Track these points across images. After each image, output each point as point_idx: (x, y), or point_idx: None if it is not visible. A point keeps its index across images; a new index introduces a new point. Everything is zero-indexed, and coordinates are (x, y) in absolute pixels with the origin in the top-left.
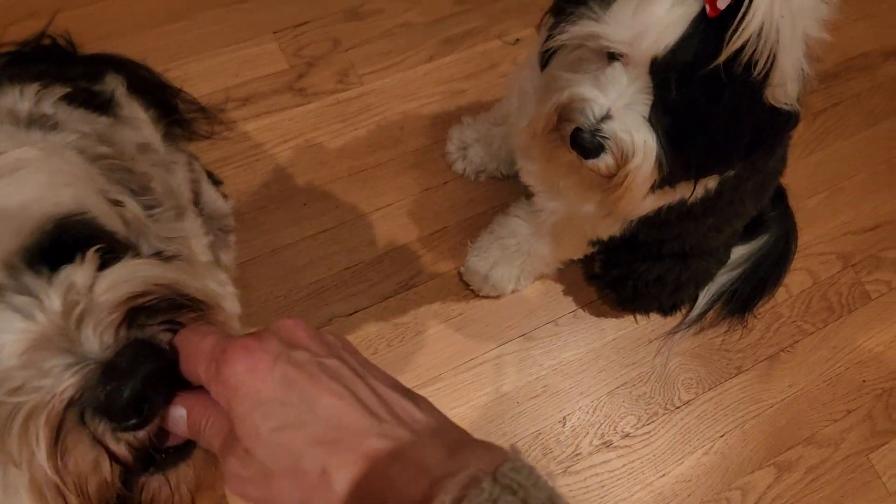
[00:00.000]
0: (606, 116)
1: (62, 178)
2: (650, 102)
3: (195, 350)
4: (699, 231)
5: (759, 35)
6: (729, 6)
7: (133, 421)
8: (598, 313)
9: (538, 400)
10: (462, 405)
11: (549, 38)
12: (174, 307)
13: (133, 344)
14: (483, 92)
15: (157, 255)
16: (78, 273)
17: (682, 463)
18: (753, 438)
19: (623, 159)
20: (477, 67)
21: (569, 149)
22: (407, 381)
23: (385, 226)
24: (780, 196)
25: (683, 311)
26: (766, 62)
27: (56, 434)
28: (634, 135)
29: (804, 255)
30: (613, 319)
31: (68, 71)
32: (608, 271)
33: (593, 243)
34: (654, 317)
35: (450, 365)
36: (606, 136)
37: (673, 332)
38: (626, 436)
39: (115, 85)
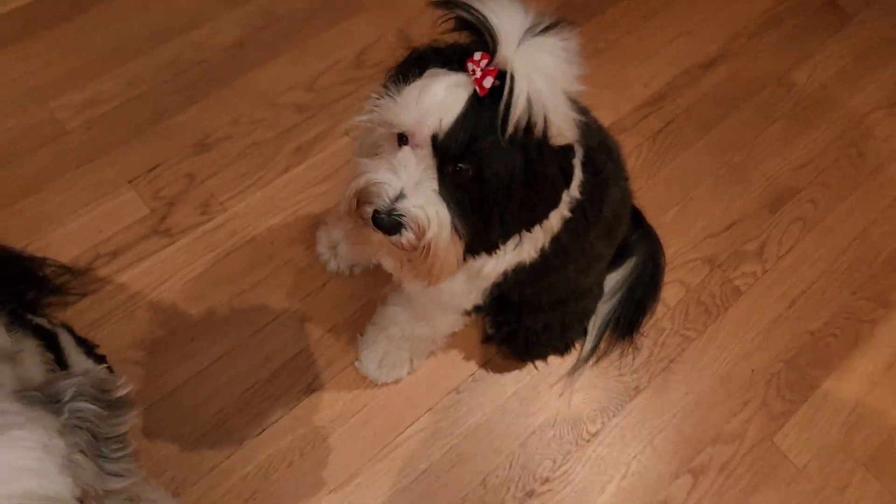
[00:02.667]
0: (400, 196)
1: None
2: (436, 177)
3: None
4: (565, 279)
5: (528, 107)
6: (494, 85)
7: None
8: (497, 370)
9: (456, 469)
10: (385, 493)
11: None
12: None
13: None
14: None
15: None
16: None
17: (604, 493)
18: (664, 451)
19: (421, 232)
20: (332, 168)
21: (373, 229)
22: (326, 485)
23: (275, 340)
24: (638, 218)
25: (577, 347)
26: (541, 123)
27: None
28: (427, 209)
29: (673, 267)
30: (512, 373)
31: None
32: (499, 329)
33: (468, 313)
34: (552, 360)
35: (364, 458)
36: (402, 213)
37: (572, 371)
38: (546, 480)
39: None
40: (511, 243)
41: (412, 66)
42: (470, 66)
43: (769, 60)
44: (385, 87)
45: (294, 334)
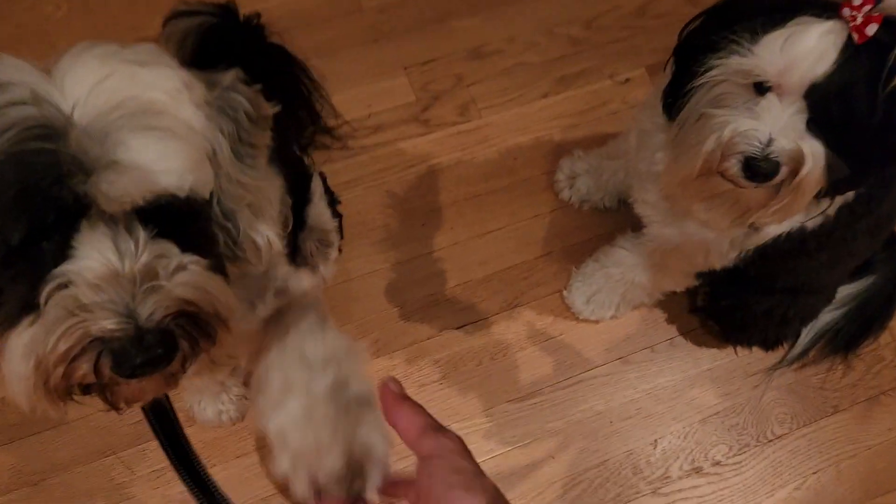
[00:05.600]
0: (770, 141)
1: (195, 156)
2: (805, 120)
3: (410, 422)
4: (812, 266)
5: None
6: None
7: (127, 374)
8: (696, 342)
9: (631, 421)
10: (558, 420)
11: (687, 76)
12: (200, 326)
13: (165, 332)
14: (593, 127)
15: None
16: (172, 255)
17: (773, 496)
18: (848, 478)
19: (795, 170)
20: (588, 105)
21: (730, 179)
22: (507, 393)
23: (495, 248)
24: (892, 240)
25: (785, 346)
26: None
27: (77, 347)
28: (803, 145)
29: None
30: (710, 350)
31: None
32: (715, 302)
33: (699, 275)
34: (754, 350)
35: (548, 382)
36: (778, 155)
37: (774, 367)
38: (717, 463)
39: None
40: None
41: (750, 16)
42: (847, 11)
43: None
44: (731, 38)
45: (513, 248)
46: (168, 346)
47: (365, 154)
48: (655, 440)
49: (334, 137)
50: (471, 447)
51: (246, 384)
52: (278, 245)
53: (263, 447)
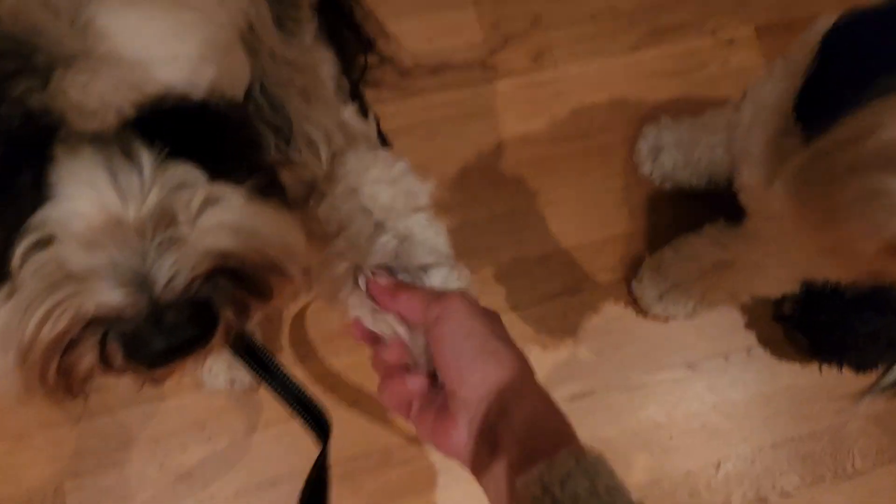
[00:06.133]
0: None
1: (218, 36)
2: None
3: (409, 303)
4: None
5: None
6: None
7: (147, 363)
8: (776, 354)
9: (693, 437)
10: (609, 425)
11: (845, 83)
12: (249, 281)
13: (195, 304)
14: (686, 92)
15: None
16: (196, 185)
17: None
18: None
19: None
20: (683, 65)
21: None
22: (556, 389)
23: (557, 221)
24: None
25: (879, 370)
26: None
27: (71, 332)
28: None
29: None
30: (792, 365)
31: None
32: (809, 314)
33: (804, 282)
34: (844, 370)
35: (604, 382)
36: None
37: (864, 392)
38: (785, 495)
39: None
40: None
41: None
42: None
43: None
44: None
45: (578, 224)
46: (204, 320)
47: (419, 98)
48: (719, 461)
49: (396, 69)
50: None
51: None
52: (339, 140)
53: (277, 424)
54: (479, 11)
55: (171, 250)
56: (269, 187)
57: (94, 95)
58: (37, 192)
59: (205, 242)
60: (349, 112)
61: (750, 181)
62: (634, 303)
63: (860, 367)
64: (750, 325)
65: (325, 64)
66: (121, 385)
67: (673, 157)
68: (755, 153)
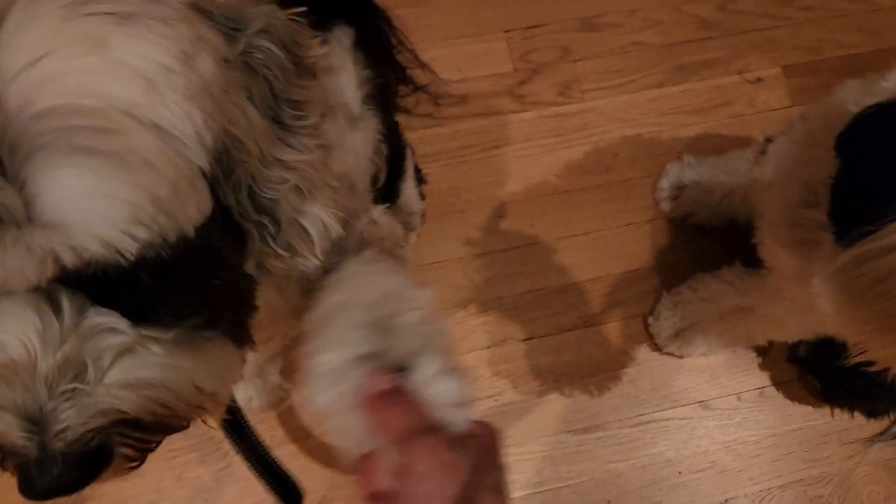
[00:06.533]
0: None
1: (167, 186)
2: None
3: (392, 424)
4: None
5: None
6: None
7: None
8: (789, 396)
9: (702, 475)
10: (620, 461)
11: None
12: (153, 428)
13: (84, 453)
14: (711, 130)
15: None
16: (113, 334)
17: None
18: None
19: None
20: (708, 102)
21: None
22: (568, 423)
23: (577, 254)
24: None
25: (891, 416)
26: None
27: None
28: None
29: None
30: (804, 407)
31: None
32: (823, 359)
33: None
34: (855, 416)
35: (616, 416)
36: None
37: (875, 438)
38: None
39: (339, 37)
40: None
41: None
42: None
43: None
44: None
45: (597, 258)
46: (94, 462)
47: (447, 126)
48: (726, 500)
49: (430, 97)
50: (518, 477)
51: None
52: (337, 230)
53: (293, 441)
54: (510, 44)
55: (70, 403)
56: (213, 320)
57: (15, 264)
58: None
59: (106, 400)
60: (378, 212)
61: (769, 241)
62: (650, 338)
63: (872, 413)
64: (764, 365)
65: (359, 157)
66: None
67: (694, 196)
68: (774, 217)
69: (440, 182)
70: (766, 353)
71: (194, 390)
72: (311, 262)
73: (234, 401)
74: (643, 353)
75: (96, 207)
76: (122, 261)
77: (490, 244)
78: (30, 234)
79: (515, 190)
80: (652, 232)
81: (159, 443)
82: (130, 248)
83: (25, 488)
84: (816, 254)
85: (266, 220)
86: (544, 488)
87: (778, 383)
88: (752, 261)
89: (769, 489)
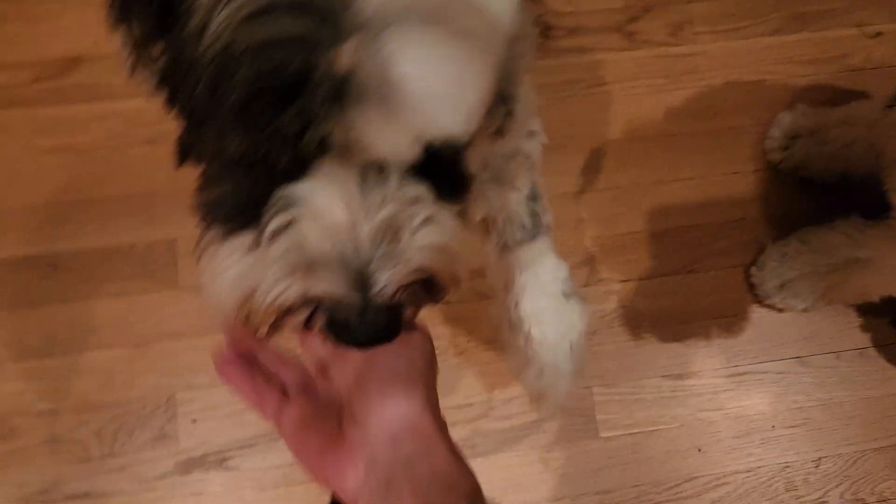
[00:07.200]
0: None
1: (491, 73)
2: None
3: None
4: None
5: None
6: None
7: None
8: (889, 359)
9: (796, 431)
10: (713, 410)
11: None
12: (430, 290)
13: (392, 307)
14: (825, 81)
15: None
16: (423, 204)
17: None
18: None
19: None
20: (824, 53)
21: None
22: (660, 368)
23: (679, 199)
24: None
25: None
26: None
27: (293, 305)
28: None
29: None
30: None
31: None
32: None
33: None
34: None
35: (710, 365)
36: None
37: None
38: (884, 501)
39: None
40: None
41: None
42: None
43: None
44: None
45: (701, 203)
46: (393, 321)
47: (553, 59)
48: (819, 458)
49: (541, 28)
50: (609, 418)
51: None
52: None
53: None
54: None
55: (391, 262)
56: (463, 212)
57: (383, 142)
58: (298, 167)
59: (416, 259)
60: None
61: None
62: (751, 289)
63: None
64: (865, 326)
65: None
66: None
67: (807, 146)
68: None
69: (547, 117)
70: (867, 314)
71: (466, 258)
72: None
73: None
74: (742, 304)
75: (458, 91)
76: (459, 143)
77: (590, 183)
78: (404, 113)
79: (620, 129)
80: (758, 182)
81: (418, 311)
82: (469, 131)
83: (342, 337)
84: None
85: (502, 109)
86: (635, 430)
87: (879, 345)
88: (869, 215)
89: (863, 451)
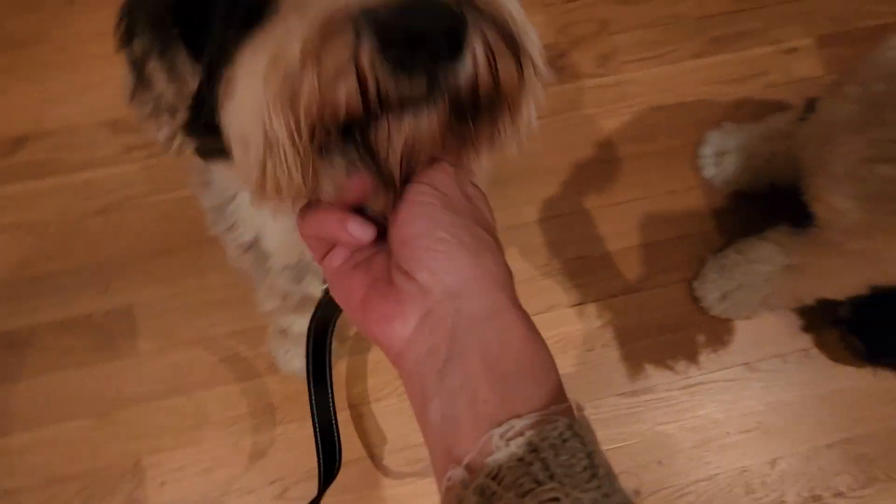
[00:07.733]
0: None
1: None
2: None
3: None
4: None
5: None
6: None
7: (394, 57)
8: (832, 357)
9: (750, 435)
10: (670, 423)
11: None
12: (502, 37)
13: (457, 18)
14: (747, 97)
15: None
16: None
17: None
18: None
19: None
20: (745, 72)
21: None
22: (617, 386)
23: (621, 222)
24: None
25: None
26: None
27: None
28: None
29: None
30: (847, 368)
31: None
32: (866, 319)
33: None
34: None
35: (664, 378)
36: None
37: None
38: (839, 495)
39: None
40: None
41: None
42: None
43: None
44: None
45: (641, 224)
46: (454, 37)
47: None
48: (774, 460)
49: None
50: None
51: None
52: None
53: (351, 407)
54: (549, 16)
55: None
56: None
57: None
58: None
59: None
60: None
61: (829, 196)
62: (695, 302)
63: None
64: (807, 327)
65: None
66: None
67: (735, 161)
68: (838, 172)
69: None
70: (808, 316)
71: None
72: None
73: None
74: (689, 317)
75: None
76: None
77: (534, 213)
78: None
79: (559, 159)
80: (695, 199)
81: (468, 130)
82: None
83: (391, 39)
84: (886, 207)
85: None
86: None
87: (821, 345)
88: (797, 223)
89: (816, 448)
